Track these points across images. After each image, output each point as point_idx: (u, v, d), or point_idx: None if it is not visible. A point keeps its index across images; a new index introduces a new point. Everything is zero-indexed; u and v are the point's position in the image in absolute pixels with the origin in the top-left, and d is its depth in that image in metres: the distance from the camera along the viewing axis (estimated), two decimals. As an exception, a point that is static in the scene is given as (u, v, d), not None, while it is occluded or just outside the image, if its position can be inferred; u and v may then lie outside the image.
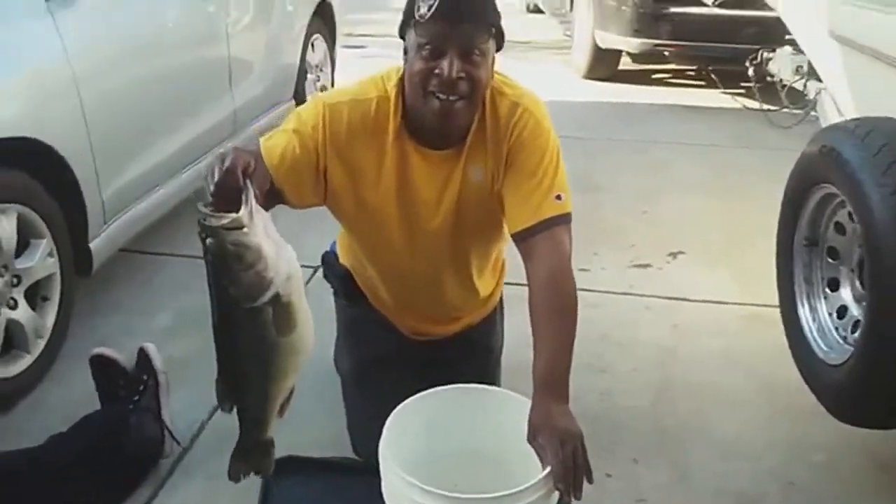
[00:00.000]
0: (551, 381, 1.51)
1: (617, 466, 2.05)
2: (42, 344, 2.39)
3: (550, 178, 1.68)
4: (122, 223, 2.71)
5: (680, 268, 3.25)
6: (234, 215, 1.24)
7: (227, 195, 1.26)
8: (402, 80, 1.70)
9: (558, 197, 1.67)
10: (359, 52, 6.77)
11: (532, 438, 1.46)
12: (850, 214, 1.99)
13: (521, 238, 1.67)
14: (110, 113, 2.58)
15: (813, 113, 4.18)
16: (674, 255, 3.34)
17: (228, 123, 3.39)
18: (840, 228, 2.13)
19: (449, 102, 1.60)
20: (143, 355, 2.14)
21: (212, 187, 1.27)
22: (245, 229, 1.25)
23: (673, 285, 3.08)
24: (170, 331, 2.69)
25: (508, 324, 2.25)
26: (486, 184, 1.74)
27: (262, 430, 1.49)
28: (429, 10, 1.57)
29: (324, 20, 4.55)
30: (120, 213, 2.70)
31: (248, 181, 1.28)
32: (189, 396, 2.33)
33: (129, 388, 2.10)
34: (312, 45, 4.41)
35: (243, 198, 1.26)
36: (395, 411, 1.52)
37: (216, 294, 1.33)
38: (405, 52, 1.67)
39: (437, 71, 1.59)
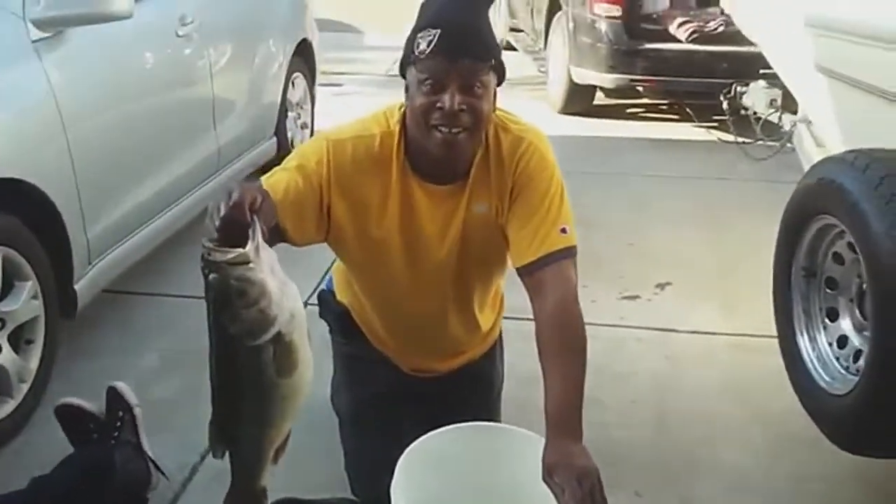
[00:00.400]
0: (564, 418, 1.49)
1: (620, 501, 2.01)
2: (25, 388, 2.33)
3: (556, 211, 1.68)
4: (107, 264, 2.67)
5: (668, 299, 3.26)
6: (239, 250, 1.22)
7: (233, 231, 1.23)
8: (404, 115, 1.70)
9: (563, 230, 1.66)
10: (335, 91, 6.79)
11: (547, 477, 1.43)
12: (849, 245, 2.01)
13: (527, 272, 1.66)
14: (96, 153, 2.56)
15: (788, 145, 4.26)
16: (661, 286, 3.35)
17: (212, 162, 3.37)
18: (839, 259, 2.15)
19: (452, 135, 1.60)
20: (112, 394, 2.12)
21: (217, 222, 1.24)
22: (251, 265, 1.22)
23: (662, 316, 3.08)
24: (156, 372, 2.64)
25: (506, 360, 2.22)
26: (491, 217, 1.73)
27: (257, 478, 1.44)
28: (428, 45, 1.58)
29: (304, 59, 4.56)
30: (104, 254, 2.66)
31: (254, 216, 1.25)
32: (178, 438, 2.28)
33: (101, 432, 2.06)
34: (293, 83, 4.41)
35: (250, 233, 1.23)
36: (405, 453, 1.49)
37: (216, 332, 1.29)
38: (406, 90, 1.67)
39: (438, 104, 1.59)
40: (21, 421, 2.31)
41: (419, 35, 1.60)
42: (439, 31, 1.58)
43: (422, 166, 1.71)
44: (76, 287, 2.50)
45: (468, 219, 1.74)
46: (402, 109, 1.71)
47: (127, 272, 2.85)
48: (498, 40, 1.77)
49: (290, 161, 1.70)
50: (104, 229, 2.62)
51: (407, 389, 2.02)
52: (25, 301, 2.29)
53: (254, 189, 1.29)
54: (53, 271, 2.41)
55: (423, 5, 1.68)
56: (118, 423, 2.05)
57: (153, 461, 2.05)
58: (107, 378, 2.48)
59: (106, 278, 2.69)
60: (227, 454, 1.41)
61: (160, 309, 3.05)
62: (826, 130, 2.79)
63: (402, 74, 1.68)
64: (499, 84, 1.67)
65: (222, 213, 1.23)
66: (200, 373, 2.57)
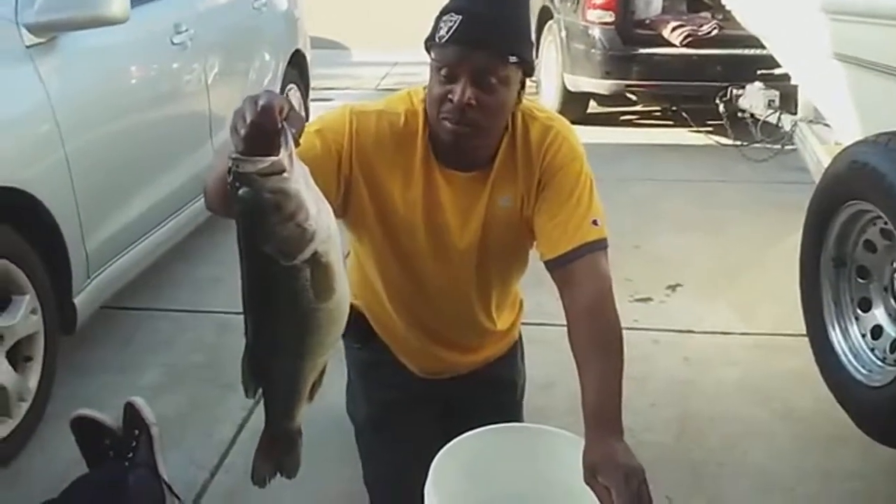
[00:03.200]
0: (605, 416, 1.41)
1: (652, 504, 1.95)
2: (25, 407, 2.25)
3: (587, 202, 1.61)
4: (106, 277, 2.60)
5: (680, 300, 3.22)
6: (273, 158, 1.09)
7: (263, 139, 1.10)
8: (426, 98, 1.63)
9: (595, 222, 1.59)
10: (325, 105, 6.75)
11: (590, 477, 1.35)
12: (882, 231, 1.95)
13: (558, 264, 1.58)
14: (94, 163, 2.49)
15: (788, 146, 4.23)
16: (672, 287, 3.31)
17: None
18: (870, 246, 2.10)
19: (458, 129, 1.54)
20: (130, 410, 2.03)
21: (243, 131, 1.10)
22: (285, 174, 1.10)
23: (676, 318, 3.03)
24: (158, 388, 2.56)
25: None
26: (515, 209, 1.66)
27: (292, 416, 1.35)
28: (447, 32, 1.51)
29: (298, 70, 4.53)
30: (103, 267, 2.58)
31: (284, 124, 1.12)
32: (186, 456, 2.22)
33: (118, 448, 1.97)
34: (287, 94, 4.36)
35: (281, 141, 1.10)
36: (440, 453, 1.41)
37: (248, 253, 1.16)
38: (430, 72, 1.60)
39: (449, 96, 1.52)
40: (21, 441, 2.23)
41: (443, 18, 1.53)
42: (461, 17, 1.51)
43: (443, 152, 1.64)
44: (75, 301, 2.42)
45: (491, 210, 1.67)
46: (427, 90, 1.64)
47: (124, 288, 2.78)
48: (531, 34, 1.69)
49: (311, 126, 1.59)
50: (103, 242, 2.55)
51: (426, 394, 1.94)
52: (24, 316, 2.21)
53: (280, 96, 1.16)
54: (52, 285, 2.33)
55: None
56: (134, 443, 1.96)
57: (168, 485, 1.96)
58: (109, 395, 2.41)
59: (105, 292, 2.62)
60: (257, 394, 1.31)
61: (160, 325, 2.99)
62: (842, 121, 2.74)
63: (428, 52, 1.60)
64: (528, 75, 1.59)
65: (249, 119, 1.10)
66: (203, 388, 2.56)
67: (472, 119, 1.53)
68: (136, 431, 2.00)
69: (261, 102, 1.10)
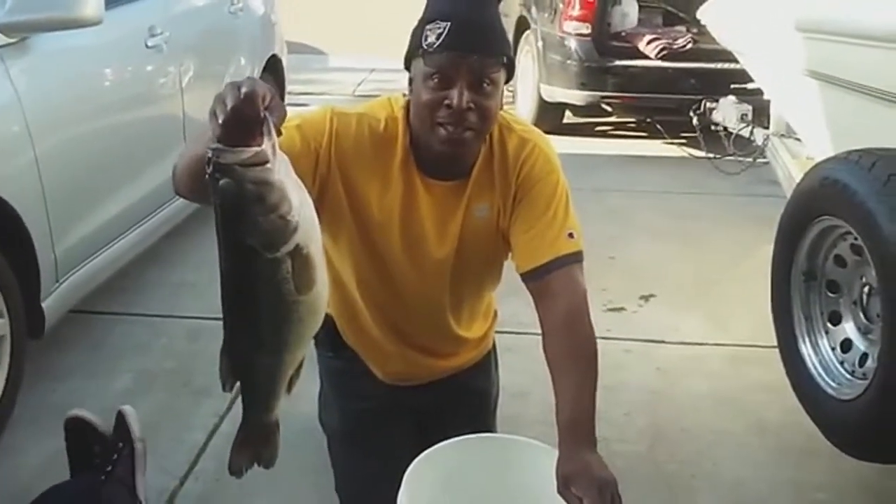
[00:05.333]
0: (579, 427, 1.42)
1: (624, 516, 1.95)
2: (-10, 413, 2.20)
3: (563, 215, 1.61)
4: (75, 281, 2.55)
5: (653, 310, 3.23)
6: (256, 149, 1.06)
7: (243, 127, 1.07)
8: (408, 105, 1.62)
9: (570, 235, 1.60)
10: (301, 111, 6.72)
11: (563, 488, 1.35)
12: (851, 247, 1.98)
13: (534, 276, 1.58)
14: (64, 165, 2.45)
15: (760, 159, 4.28)
16: (645, 298, 3.32)
17: (182, 177, 3.26)
18: (840, 261, 2.12)
19: (457, 133, 1.53)
20: (119, 420, 1.96)
21: (222, 117, 1.06)
22: (268, 165, 1.07)
23: (649, 328, 3.04)
24: (129, 394, 2.52)
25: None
26: (492, 219, 1.66)
27: (270, 409, 1.34)
28: (437, 38, 1.51)
29: (273, 75, 4.49)
30: (73, 271, 2.54)
31: (266, 113, 1.09)
32: (156, 463, 2.16)
33: (104, 455, 1.91)
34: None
35: (263, 130, 1.08)
36: (412, 464, 1.40)
37: (228, 245, 1.14)
38: (410, 83, 1.59)
39: (446, 101, 1.51)
40: (-15, 447, 2.18)
41: (428, 27, 1.53)
42: (449, 23, 1.50)
43: (423, 160, 1.63)
44: (43, 305, 2.38)
45: (467, 220, 1.67)
46: (407, 99, 1.64)
47: (95, 292, 2.74)
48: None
49: (291, 120, 1.54)
50: (73, 245, 2.51)
51: (399, 404, 1.92)
52: (-10, 319, 2.17)
53: (263, 84, 1.13)
54: (20, 288, 2.29)
55: None
56: (114, 456, 1.89)
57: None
58: (78, 401, 2.36)
59: (74, 296, 2.58)
60: (234, 388, 1.28)
61: (129, 329, 2.95)
62: (813, 137, 2.78)
63: (407, 67, 1.61)
64: (507, 81, 1.61)
65: (230, 104, 1.07)
66: (175, 394, 2.53)
67: (472, 123, 1.53)
68: (121, 444, 1.92)
69: (243, 89, 1.07)
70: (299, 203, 1.12)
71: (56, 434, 2.24)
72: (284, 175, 1.11)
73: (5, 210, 2.19)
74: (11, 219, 2.21)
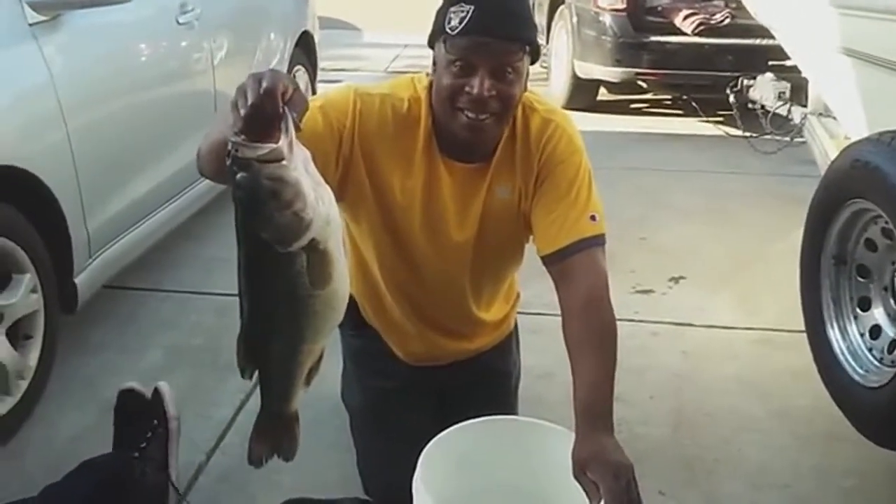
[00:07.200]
0: (596, 412, 1.41)
1: (645, 500, 1.94)
2: (24, 385, 2.24)
3: (585, 197, 1.60)
4: (108, 257, 2.59)
5: (682, 293, 3.19)
6: (272, 145, 1.08)
7: (262, 123, 1.09)
8: (431, 86, 1.62)
9: (593, 217, 1.59)
10: (334, 87, 6.73)
11: (579, 473, 1.35)
12: (883, 230, 1.93)
13: (555, 259, 1.58)
14: (97, 142, 2.47)
15: (798, 139, 4.19)
16: (675, 280, 3.29)
17: (214, 154, 3.28)
18: (871, 245, 2.08)
19: (478, 120, 1.53)
20: (156, 396, 1.99)
21: (243, 110, 1.09)
22: (284, 162, 1.09)
23: (677, 311, 3.01)
24: (159, 369, 2.56)
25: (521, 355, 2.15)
26: (513, 202, 1.66)
27: (288, 401, 1.35)
28: (460, 23, 1.49)
29: (305, 52, 4.49)
30: (105, 247, 2.58)
31: (286, 108, 1.11)
32: (184, 436, 2.19)
33: (138, 432, 1.94)
34: (294, 75, 4.34)
35: (282, 126, 1.10)
36: (428, 445, 1.41)
37: (245, 238, 1.17)
38: (434, 63, 1.59)
39: (467, 88, 1.51)
40: (20, 419, 2.23)
41: (452, 9, 1.51)
42: (473, 7, 1.49)
43: (445, 142, 1.63)
44: (76, 281, 2.42)
45: (489, 201, 1.67)
46: (430, 79, 1.63)
47: (127, 267, 2.78)
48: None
49: (314, 101, 1.57)
50: (105, 221, 2.55)
51: (420, 384, 1.94)
52: (24, 295, 2.20)
53: (285, 77, 1.14)
54: (53, 264, 2.33)
55: None
56: (149, 434, 1.92)
57: (174, 486, 1.92)
58: (110, 375, 2.43)
59: (107, 272, 2.62)
60: (254, 376, 1.31)
61: (162, 305, 2.98)
62: (849, 116, 2.71)
63: (431, 45, 1.60)
64: (532, 63, 1.59)
65: (250, 100, 1.09)
66: (205, 370, 2.57)
67: (493, 109, 1.53)
68: (155, 422, 1.96)
69: (264, 84, 1.09)
70: (315, 199, 1.13)
71: (87, 407, 2.31)
72: (302, 171, 1.12)
73: (39, 187, 2.22)
74: (45, 196, 2.25)
